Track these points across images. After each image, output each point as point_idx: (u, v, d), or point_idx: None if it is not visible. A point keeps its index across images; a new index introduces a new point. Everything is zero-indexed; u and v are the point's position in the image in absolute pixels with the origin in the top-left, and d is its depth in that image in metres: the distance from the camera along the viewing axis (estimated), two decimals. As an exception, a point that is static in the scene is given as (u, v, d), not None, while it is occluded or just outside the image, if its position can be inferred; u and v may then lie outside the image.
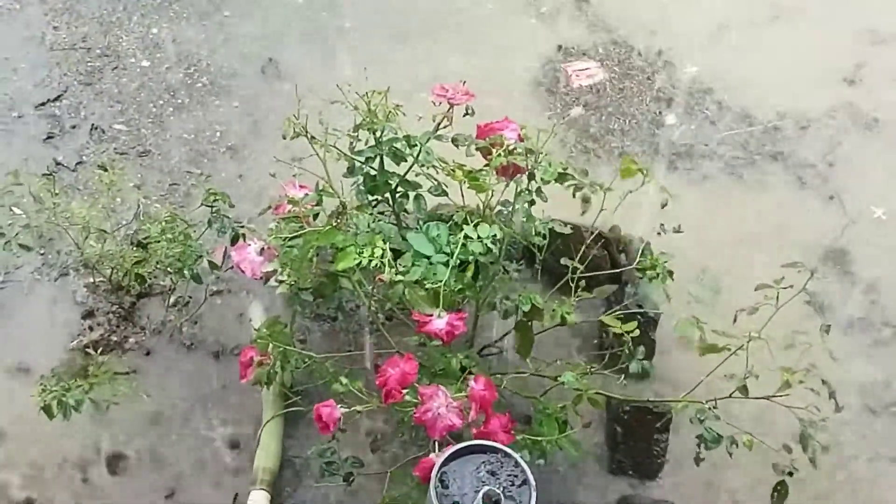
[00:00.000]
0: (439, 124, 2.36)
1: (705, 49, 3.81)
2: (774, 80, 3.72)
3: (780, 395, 2.23)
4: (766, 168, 3.45)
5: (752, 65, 3.77)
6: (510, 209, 2.39)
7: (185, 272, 2.55)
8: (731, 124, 3.57)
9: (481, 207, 2.35)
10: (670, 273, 2.39)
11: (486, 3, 3.91)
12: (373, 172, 2.45)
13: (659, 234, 2.43)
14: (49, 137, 3.31)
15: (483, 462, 1.99)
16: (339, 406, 2.18)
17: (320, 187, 2.43)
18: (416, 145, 2.38)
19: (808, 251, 3.18)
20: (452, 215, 2.36)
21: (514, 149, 2.30)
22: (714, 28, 3.90)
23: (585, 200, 2.36)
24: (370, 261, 2.16)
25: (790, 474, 2.26)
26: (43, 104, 3.40)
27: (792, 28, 3.93)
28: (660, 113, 3.57)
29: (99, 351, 2.70)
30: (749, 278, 2.32)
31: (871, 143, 3.56)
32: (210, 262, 2.62)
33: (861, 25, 3.96)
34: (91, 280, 2.89)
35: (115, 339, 2.81)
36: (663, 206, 2.37)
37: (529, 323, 2.45)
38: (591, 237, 2.50)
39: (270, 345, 2.38)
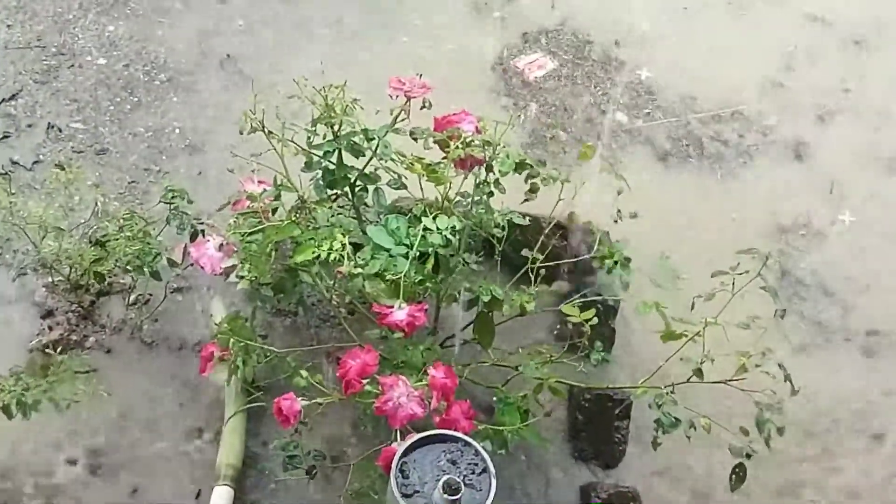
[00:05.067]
0: (397, 117, 2.37)
1: (656, 38, 3.84)
2: (729, 70, 3.76)
3: (737, 379, 2.27)
4: (720, 158, 3.49)
5: (707, 54, 3.81)
6: (469, 201, 2.40)
7: (145, 270, 2.53)
8: (685, 112, 3.60)
9: (440, 200, 2.37)
10: (628, 260, 2.42)
11: (443, 1, 3.91)
12: (331, 167, 2.45)
13: (616, 221, 2.45)
14: (5, 137, 3.26)
15: (443, 451, 2.00)
16: (300, 399, 2.18)
17: (279, 182, 2.43)
18: (373, 139, 2.39)
19: (764, 238, 3.23)
20: (412, 208, 2.37)
21: (472, 141, 2.32)
22: (666, 17, 3.93)
23: (533, 191, 2.39)
24: (329, 254, 2.17)
25: (748, 456, 2.30)
26: (-3, 104, 3.36)
27: (744, 15, 3.98)
28: (613, 101, 3.60)
29: (59, 350, 2.67)
30: (707, 265, 2.36)
31: (824, 133, 3.62)
32: (169, 260, 2.61)
33: (810, 11, 4.02)
34: (50, 280, 2.86)
35: (74, 338, 2.79)
36: (619, 192, 2.41)
37: (490, 313, 2.47)
38: (549, 227, 2.52)
39: (231, 340, 2.38)
